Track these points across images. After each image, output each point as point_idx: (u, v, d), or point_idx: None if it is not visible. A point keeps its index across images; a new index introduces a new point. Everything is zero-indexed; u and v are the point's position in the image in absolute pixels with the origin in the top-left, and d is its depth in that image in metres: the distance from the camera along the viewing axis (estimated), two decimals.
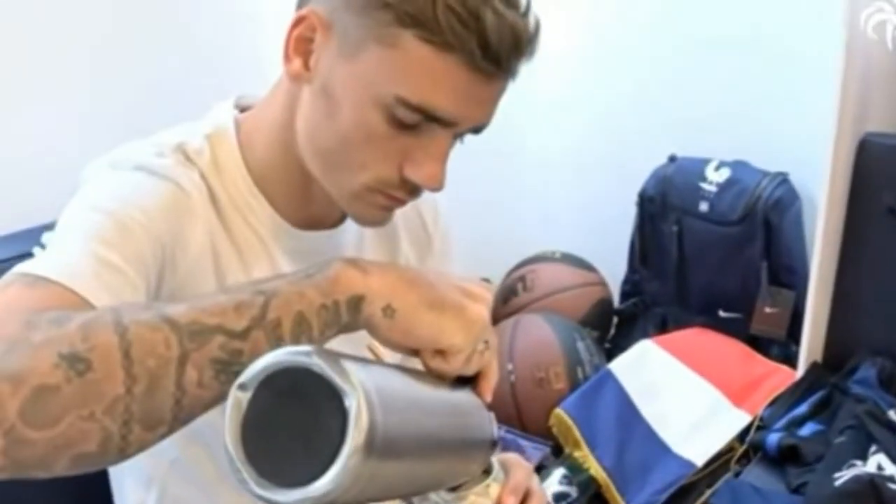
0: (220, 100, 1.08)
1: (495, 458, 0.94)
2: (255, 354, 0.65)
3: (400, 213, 1.08)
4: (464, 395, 0.86)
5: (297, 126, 0.95)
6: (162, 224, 0.90)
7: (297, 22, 0.91)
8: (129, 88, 1.72)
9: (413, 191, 0.94)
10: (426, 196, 1.11)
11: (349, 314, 0.76)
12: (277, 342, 0.71)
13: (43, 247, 0.90)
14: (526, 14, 0.89)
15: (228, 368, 0.68)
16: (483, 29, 0.84)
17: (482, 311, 0.82)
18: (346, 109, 0.89)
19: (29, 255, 1.06)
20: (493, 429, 0.90)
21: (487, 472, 0.92)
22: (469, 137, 0.96)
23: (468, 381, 0.88)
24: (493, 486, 0.91)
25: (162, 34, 1.77)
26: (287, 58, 0.93)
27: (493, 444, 0.90)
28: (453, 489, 0.89)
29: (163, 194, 0.92)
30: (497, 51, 0.86)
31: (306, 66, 0.92)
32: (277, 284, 0.74)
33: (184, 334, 0.68)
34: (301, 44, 0.92)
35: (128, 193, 0.90)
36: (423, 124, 0.89)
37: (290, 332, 0.72)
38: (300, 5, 0.94)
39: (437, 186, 0.93)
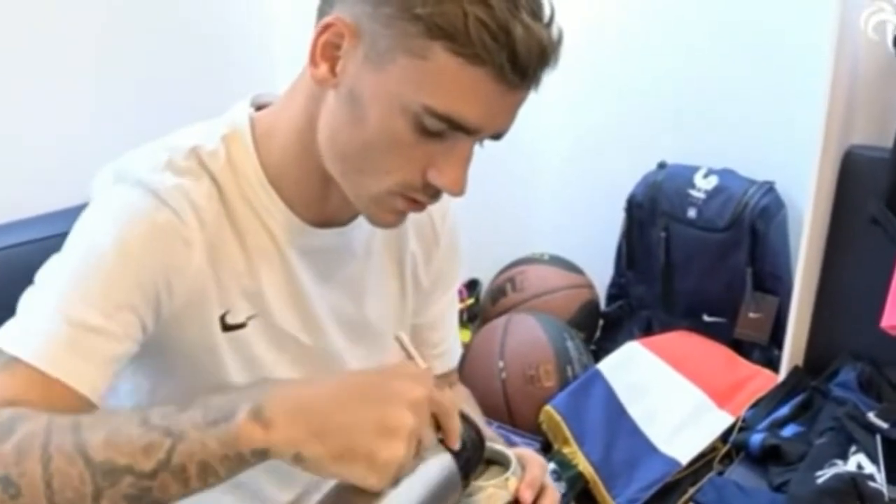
0: (228, 87, 1.09)
1: (512, 453, 0.97)
2: (165, 491, 0.75)
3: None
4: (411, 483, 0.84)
5: (320, 129, 0.97)
6: (151, 259, 0.93)
7: (324, 28, 0.92)
8: (137, 76, 1.71)
9: (434, 195, 0.96)
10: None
11: (257, 459, 0.78)
12: (185, 482, 0.76)
13: (42, 275, 0.94)
14: (550, 25, 0.91)
15: (141, 501, 0.76)
16: (513, 43, 0.86)
17: (398, 451, 0.76)
18: (373, 116, 0.91)
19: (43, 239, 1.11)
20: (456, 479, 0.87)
21: (506, 466, 0.94)
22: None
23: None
24: (512, 480, 0.93)
25: (169, 22, 1.77)
26: (313, 63, 0.94)
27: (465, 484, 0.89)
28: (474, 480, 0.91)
29: (155, 225, 0.94)
30: (525, 64, 0.87)
31: (333, 71, 0.93)
32: (184, 427, 0.76)
33: (97, 472, 0.75)
34: (328, 50, 0.93)
35: (119, 231, 0.92)
36: (447, 132, 0.90)
37: (196, 476, 0.77)
38: (323, 11, 0.95)
39: (460, 191, 0.94)
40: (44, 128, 1.60)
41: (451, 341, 1.28)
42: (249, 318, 1.02)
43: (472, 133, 0.91)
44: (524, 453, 1.01)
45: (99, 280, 0.90)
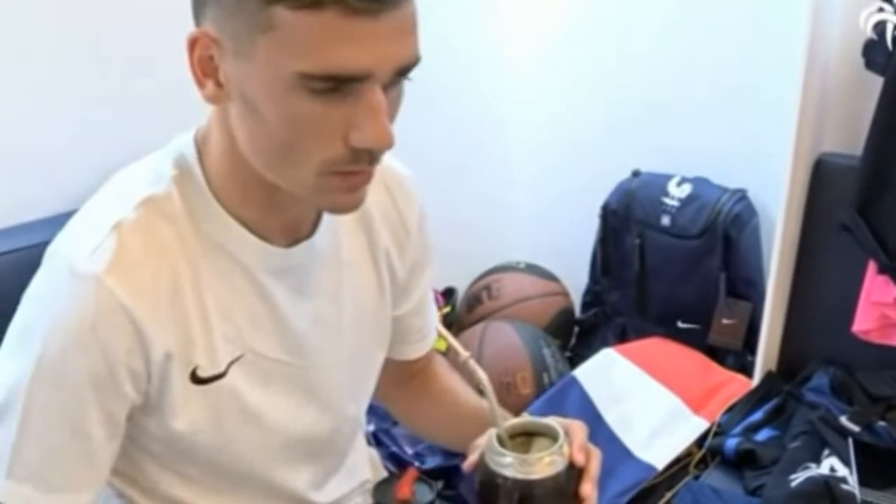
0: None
1: (557, 422, 1.02)
2: None
3: (376, 207, 1.10)
4: None
5: (240, 143, 0.93)
6: (109, 361, 0.92)
7: (192, 46, 0.89)
8: (120, 82, 1.70)
9: (370, 159, 0.90)
10: (404, 191, 1.12)
11: None
12: None
13: None
14: None
15: None
16: None
17: None
18: (267, 108, 0.87)
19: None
20: None
21: (553, 436, 1.00)
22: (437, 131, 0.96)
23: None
24: (565, 447, 0.99)
25: (155, 28, 1.74)
26: (199, 84, 0.90)
27: None
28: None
29: (101, 328, 0.91)
30: None
31: (218, 84, 0.90)
32: None
33: None
34: (205, 65, 0.89)
35: (62, 364, 0.91)
36: (342, 88, 0.84)
37: None
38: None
39: (387, 143, 0.87)
40: (24, 137, 1.58)
41: (431, 322, 1.28)
42: (232, 361, 1.00)
43: (365, 79, 0.84)
44: (563, 420, 1.04)
45: (58, 412, 0.93)
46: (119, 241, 0.92)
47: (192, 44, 0.89)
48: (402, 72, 0.87)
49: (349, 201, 0.94)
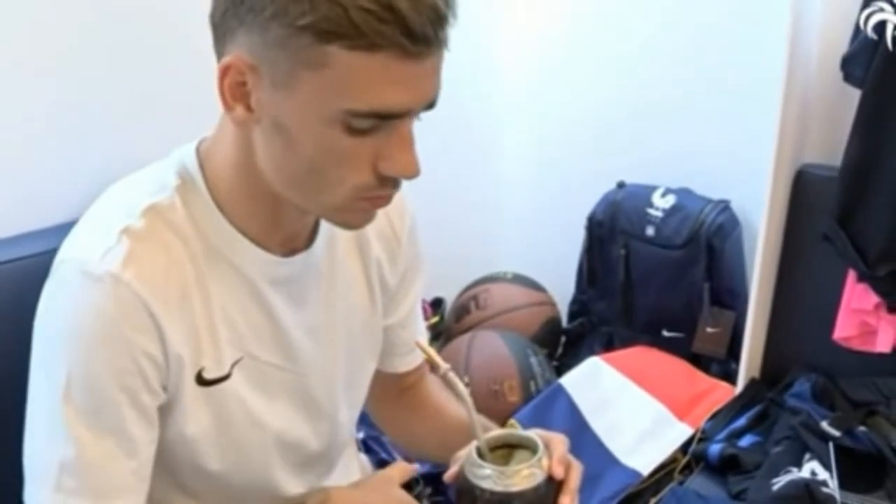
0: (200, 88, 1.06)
1: (536, 434, 1.03)
2: None
3: None
4: None
5: (261, 165, 0.95)
6: (126, 359, 0.94)
7: (224, 72, 0.91)
8: (117, 90, 1.70)
9: (395, 184, 0.95)
10: (395, 202, 1.11)
11: None
12: None
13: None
14: None
15: None
16: (402, 18, 0.83)
17: None
18: (304, 138, 0.90)
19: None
20: None
21: (532, 449, 1.01)
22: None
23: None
24: (544, 460, 0.99)
25: (161, 38, 1.74)
26: (227, 107, 0.93)
27: None
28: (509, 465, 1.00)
29: (118, 326, 0.93)
30: (423, 33, 0.85)
31: (248, 109, 0.92)
32: None
33: None
34: (235, 90, 0.91)
35: (86, 362, 0.93)
36: (380, 124, 0.89)
37: None
38: (220, 53, 0.93)
39: (415, 173, 0.92)
40: (26, 147, 1.59)
41: (419, 336, 1.30)
42: (235, 363, 1.03)
43: (404, 116, 0.90)
44: (544, 433, 1.05)
45: (90, 415, 0.94)
46: (130, 244, 0.94)
47: (225, 71, 0.91)
48: (429, 106, 0.92)
49: (365, 220, 1.00)
